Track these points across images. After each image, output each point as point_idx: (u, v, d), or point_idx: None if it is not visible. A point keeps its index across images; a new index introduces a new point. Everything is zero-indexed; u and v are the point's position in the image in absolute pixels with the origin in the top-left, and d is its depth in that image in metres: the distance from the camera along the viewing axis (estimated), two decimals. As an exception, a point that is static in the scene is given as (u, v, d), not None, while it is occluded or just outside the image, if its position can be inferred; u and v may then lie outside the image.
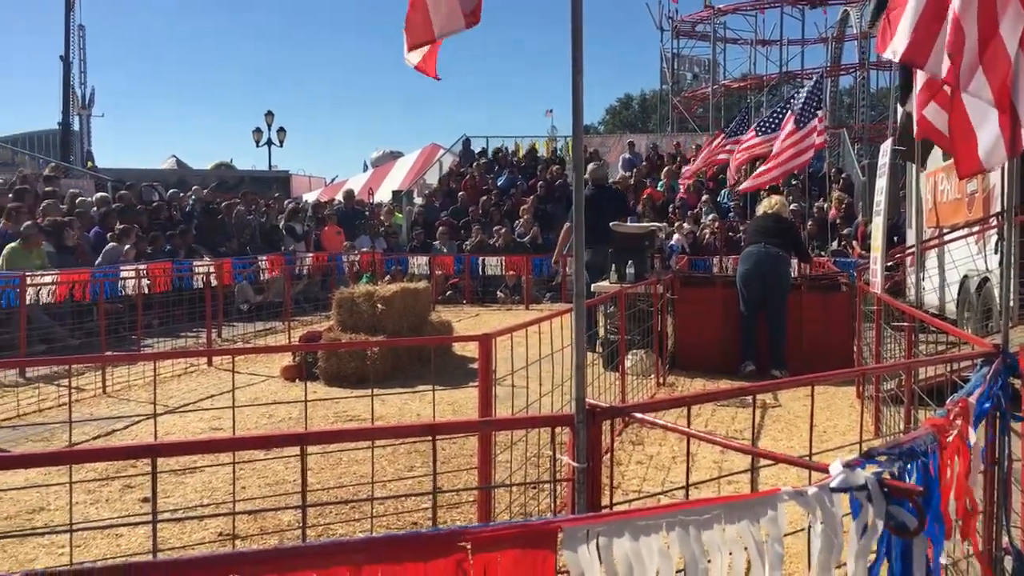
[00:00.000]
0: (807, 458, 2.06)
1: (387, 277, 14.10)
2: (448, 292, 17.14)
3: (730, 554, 1.41)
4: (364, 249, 17.49)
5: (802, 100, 11.84)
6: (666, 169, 21.53)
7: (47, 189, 14.25)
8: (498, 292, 17.30)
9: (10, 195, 13.20)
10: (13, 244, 11.07)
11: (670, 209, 19.28)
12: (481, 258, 17.48)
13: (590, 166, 11.13)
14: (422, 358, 9.14)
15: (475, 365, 9.38)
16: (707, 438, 2.17)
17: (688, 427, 2.26)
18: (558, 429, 2.62)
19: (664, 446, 6.01)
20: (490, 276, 17.50)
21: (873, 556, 1.57)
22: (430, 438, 2.06)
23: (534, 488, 4.81)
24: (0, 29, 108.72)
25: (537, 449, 5.12)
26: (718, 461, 5.53)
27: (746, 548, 1.42)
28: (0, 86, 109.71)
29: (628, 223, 9.91)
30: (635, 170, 21.69)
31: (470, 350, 10.09)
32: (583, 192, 2.22)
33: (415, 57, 3.22)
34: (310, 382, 8.59)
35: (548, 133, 29.75)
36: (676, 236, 17.23)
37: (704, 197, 19.68)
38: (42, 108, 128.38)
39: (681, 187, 19.59)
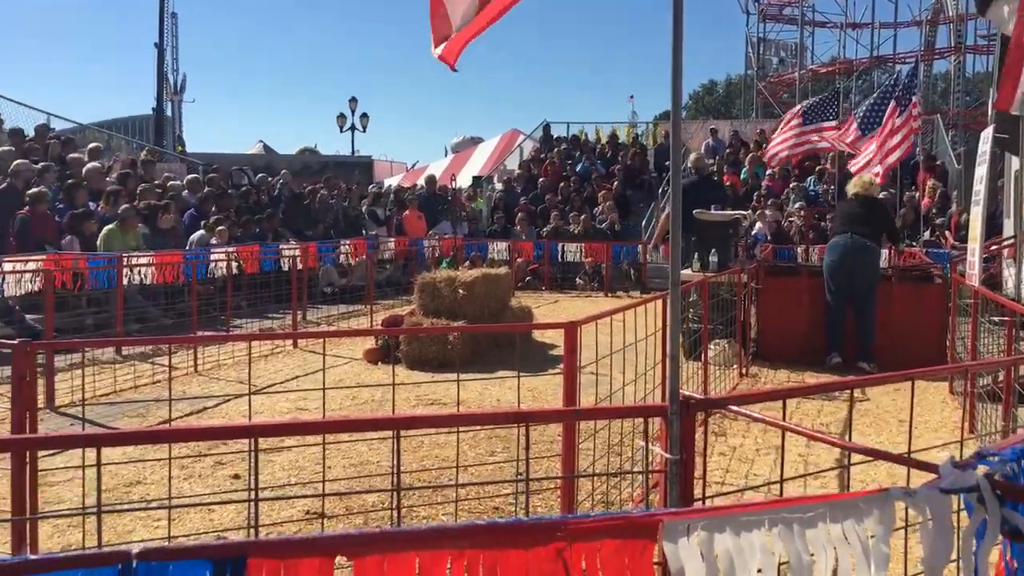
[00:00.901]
0: (906, 455, 2.00)
1: (467, 263, 14.18)
2: (527, 278, 17.16)
3: (835, 550, 1.38)
4: (445, 234, 17.63)
5: (900, 87, 11.51)
6: (750, 156, 21.13)
7: (143, 173, 14.74)
8: (577, 279, 17.26)
9: (113, 178, 13.70)
10: (110, 226, 11.47)
11: (754, 196, 18.93)
12: (560, 244, 17.45)
13: (691, 156, 11.07)
14: (501, 343, 9.18)
15: (555, 352, 9.46)
16: (805, 432, 2.13)
17: (784, 421, 2.22)
18: (642, 420, 2.60)
19: (747, 438, 5.92)
20: (569, 262, 17.46)
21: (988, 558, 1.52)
22: (516, 425, 2.06)
23: (615, 477, 4.79)
24: (97, 18, 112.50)
25: (619, 438, 5.10)
26: (803, 455, 5.43)
27: (850, 547, 1.39)
28: (97, 73, 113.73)
29: (712, 211, 9.76)
30: (717, 157, 21.35)
31: (549, 337, 10.10)
32: (680, 178, 2.19)
33: (444, 47, 3.22)
34: (391, 365, 8.72)
35: (629, 119, 29.53)
36: (759, 224, 16.92)
37: (791, 184, 19.27)
38: (136, 94, 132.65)
39: (769, 168, 19.12)
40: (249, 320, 11.50)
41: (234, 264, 11.21)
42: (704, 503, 2.28)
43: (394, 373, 4.94)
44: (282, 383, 7.84)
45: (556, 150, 23.36)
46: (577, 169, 22.07)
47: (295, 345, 9.77)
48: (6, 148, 13.21)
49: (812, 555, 1.38)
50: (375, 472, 5.30)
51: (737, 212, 11.02)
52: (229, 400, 7.14)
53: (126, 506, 4.56)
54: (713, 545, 1.34)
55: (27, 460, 2.73)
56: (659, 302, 5.29)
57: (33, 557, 1.05)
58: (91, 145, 15.77)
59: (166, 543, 3.26)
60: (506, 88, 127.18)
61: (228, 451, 5.58)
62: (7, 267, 8.78)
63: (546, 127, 25.38)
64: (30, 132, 14.94)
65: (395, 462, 1.90)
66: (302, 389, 7.41)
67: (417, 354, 8.59)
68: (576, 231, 18.11)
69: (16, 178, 11.72)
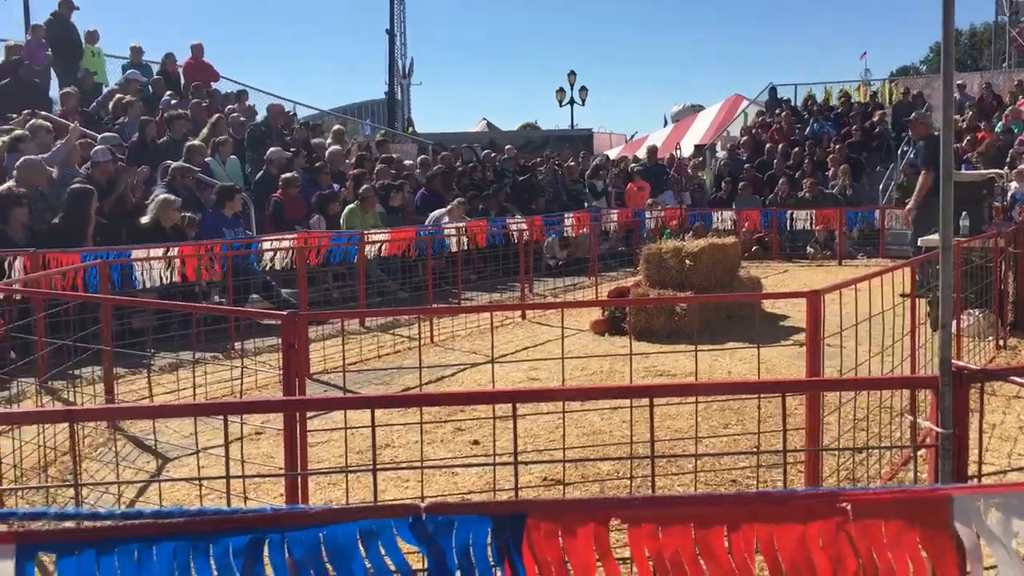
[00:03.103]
0: None
1: (690, 233, 13.93)
2: (754, 248, 16.61)
3: None
4: (668, 204, 17.41)
5: None
6: (1009, 109, 19.28)
7: (380, 155, 15.59)
8: (807, 247, 16.52)
9: (352, 161, 14.61)
10: (351, 205, 12.22)
11: (1009, 154, 17.29)
12: (789, 212, 16.76)
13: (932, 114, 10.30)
14: (730, 314, 8.96)
15: (786, 324, 9.12)
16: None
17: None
18: (890, 394, 2.44)
19: (1009, 415, 5.45)
20: (798, 231, 16.74)
21: None
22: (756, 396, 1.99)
23: (860, 454, 4.56)
24: (329, 9, 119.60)
25: (865, 413, 4.84)
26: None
27: None
28: (332, 61, 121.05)
29: (963, 171, 9.01)
30: (965, 113, 19.66)
31: (780, 308, 9.74)
32: (952, 133, 2.02)
33: None
34: (618, 337, 8.74)
35: (861, 77, 27.77)
36: (1015, 184, 15.44)
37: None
38: (367, 80, 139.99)
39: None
40: (478, 293, 11.90)
41: (464, 239, 11.62)
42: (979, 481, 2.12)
43: (631, 344, 4.93)
44: (513, 354, 8.05)
45: (783, 113, 22.39)
46: (806, 132, 21.07)
47: (523, 317, 10.00)
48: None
49: None
50: (608, 442, 5.34)
51: (992, 171, 10.11)
52: (465, 369, 7.42)
53: (391, 466, 4.85)
54: (1011, 525, 1.23)
55: (298, 420, 2.96)
56: (906, 270, 4.96)
57: (335, 506, 1.13)
58: (335, 128, 16.81)
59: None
60: (727, 53, 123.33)
61: (466, 417, 5.82)
62: (265, 245, 9.57)
63: (772, 90, 24.37)
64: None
65: (651, 429, 1.89)
66: (539, 359, 7.56)
67: (644, 325, 8.54)
68: (806, 197, 17.31)
69: (271, 165, 12.71)
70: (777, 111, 22.81)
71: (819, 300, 3.70)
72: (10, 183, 8.75)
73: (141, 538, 1.13)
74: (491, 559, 1.19)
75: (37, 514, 1.25)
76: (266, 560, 1.18)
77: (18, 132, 10.21)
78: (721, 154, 21.62)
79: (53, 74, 14.31)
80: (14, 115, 11.44)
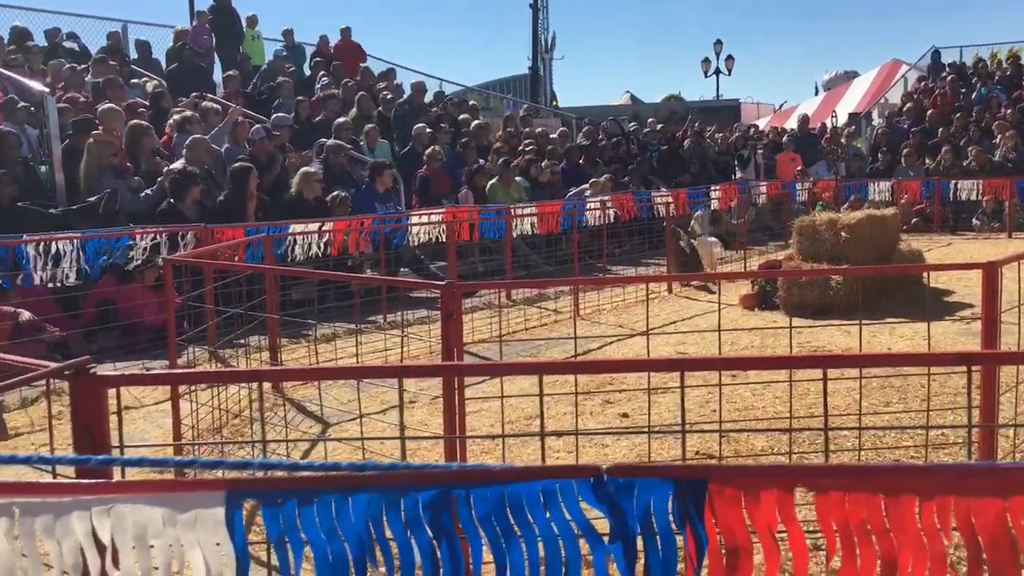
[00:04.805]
0: None
1: (846, 205, 13.38)
2: (913, 220, 15.80)
3: None
4: (820, 176, 16.77)
5: None
6: None
7: (525, 130, 15.69)
8: (973, 219, 15.58)
9: (496, 136, 14.77)
10: (493, 180, 12.37)
11: None
12: (952, 182, 15.83)
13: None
14: (889, 289, 8.57)
15: (950, 299, 8.65)
16: None
17: None
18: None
19: None
20: (962, 202, 15.81)
21: None
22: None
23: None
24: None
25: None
26: None
27: None
28: (476, 38, 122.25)
29: None
30: None
31: (943, 282, 9.27)
32: None
33: None
34: (768, 312, 8.52)
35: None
36: None
37: None
38: (510, 55, 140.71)
39: None
40: (622, 267, 11.83)
41: (609, 212, 11.57)
42: None
43: (791, 322, 4.82)
44: (660, 327, 7.97)
45: (949, 77, 21.12)
46: (972, 97, 19.81)
47: (669, 291, 9.88)
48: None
49: None
50: (761, 416, 5.23)
51: None
52: (612, 342, 7.41)
53: (558, 432, 4.91)
54: None
55: (456, 387, 3.03)
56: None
57: (520, 466, 1.16)
58: (473, 103, 17.03)
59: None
60: (882, 16, 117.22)
61: (613, 389, 5.82)
62: (414, 219, 9.81)
63: (934, 53, 23.01)
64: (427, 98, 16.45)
65: (824, 400, 1.84)
66: (694, 331, 7.46)
67: (797, 300, 8.29)
68: (971, 166, 16.31)
69: (416, 140, 13.01)
70: (942, 75, 21.53)
71: (996, 271, 3.50)
72: (181, 162, 9.29)
73: (338, 490, 1.19)
74: (672, 523, 1.19)
75: (243, 464, 1.33)
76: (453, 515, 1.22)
77: (187, 113, 10.82)
78: (878, 122, 20.61)
79: (216, 58, 15.07)
80: (183, 98, 12.12)
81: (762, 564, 1.23)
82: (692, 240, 11.13)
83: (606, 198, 12.07)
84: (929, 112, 19.29)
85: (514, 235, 10.46)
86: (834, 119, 19.67)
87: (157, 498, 1.19)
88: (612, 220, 11.73)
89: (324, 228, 8.85)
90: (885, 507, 1.14)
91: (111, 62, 12.38)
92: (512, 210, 10.46)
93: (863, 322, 7.34)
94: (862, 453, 4.35)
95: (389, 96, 14.91)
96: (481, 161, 13.19)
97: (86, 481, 1.25)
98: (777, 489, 1.15)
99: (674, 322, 8.27)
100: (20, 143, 8.77)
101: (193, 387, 4.76)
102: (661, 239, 11.51)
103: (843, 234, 8.59)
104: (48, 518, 1.21)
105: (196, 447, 4.41)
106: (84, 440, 1.79)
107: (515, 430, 5.17)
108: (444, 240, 9.68)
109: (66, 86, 11.15)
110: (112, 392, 1.96)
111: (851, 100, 26.47)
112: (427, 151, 12.40)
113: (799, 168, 17.02)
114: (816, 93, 32.86)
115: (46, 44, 13.27)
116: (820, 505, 1.15)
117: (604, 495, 1.17)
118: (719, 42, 33.21)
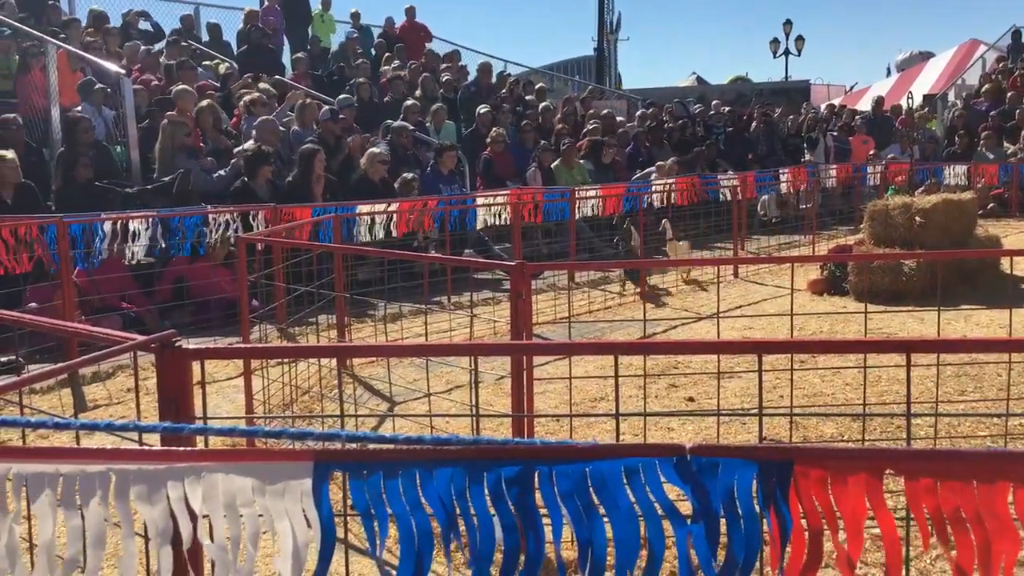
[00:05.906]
0: None
1: (921, 189, 13.03)
2: (990, 205, 15.32)
3: None
4: (893, 157, 16.36)
5: None
6: None
7: (589, 112, 15.59)
8: (1055, 204, 15.06)
9: (560, 117, 14.71)
10: (555, 162, 12.34)
11: None
12: (1032, 166, 15.31)
13: None
14: (965, 275, 8.33)
15: (1028, 285, 8.37)
16: None
17: None
18: None
19: None
20: (1043, 186, 15.28)
21: None
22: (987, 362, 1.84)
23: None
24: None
25: None
26: None
27: None
28: (541, 20, 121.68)
29: None
30: None
31: (1021, 270, 8.99)
32: None
33: None
34: (838, 297, 8.36)
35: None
36: None
37: None
38: (575, 37, 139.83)
39: None
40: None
41: (673, 195, 11.45)
42: None
43: (866, 307, 4.72)
44: (726, 312, 7.89)
45: (1028, 58, 20.40)
46: (1056, 78, 19.11)
47: (735, 275, 9.76)
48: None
49: None
50: (829, 403, 5.16)
51: None
52: (677, 326, 7.36)
53: (634, 413, 4.91)
54: None
55: (525, 366, 3.04)
56: None
57: (604, 443, 1.16)
58: (539, 85, 16.96)
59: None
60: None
61: (678, 372, 5.78)
62: (479, 201, 9.83)
63: (1015, 33, 22.20)
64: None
65: (907, 384, 1.80)
66: (756, 315, 7.37)
67: (868, 285, 8.12)
68: (1052, 150, 15.76)
69: (478, 122, 13.02)
70: (1023, 56, 20.80)
71: (1083, 258, 3.37)
72: (253, 142, 9.45)
73: (423, 463, 1.21)
74: (756, 505, 1.18)
75: (330, 435, 1.36)
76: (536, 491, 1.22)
77: (255, 95, 10.99)
78: (955, 103, 20.00)
79: (285, 40, 15.27)
80: (251, 78, 12.31)
81: (846, 549, 1.21)
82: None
83: (671, 180, 11.95)
84: (1009, 94, 18.65)
85: (577, 217, 10.42)
86: (910, 100, 19.14)
87: (247, 467, 1.22)
88: (674, 203, 11.61)
89: (391, 208, 8.93)
90: (979, 497, 1.11)
91: (183, 44, 12.63)
92: (576, 192, 10.41)
93: (931, 309, 7.19)
94: (937, 442, 4.26)
95: (450, 78, 14.94)
96: (544, 142, 13.17)
97: (180, 448, 1.29)
98: (865, 473, 1.13)
99: (740, 307, 8.17)
100: (92, 127, 8.99)
101: (264, 363, 4.86)
102: (727, 223, 11.37)
103: (917, 219, 8.37)
104: (142, 486, 1.25)
105: (275, 419, 4.51)
106: (170, 411, 1.85)
107: (580, 409, 5.18)
108: (509, 222, 9.69)
109: (141, 68, 11.41)
110: (196, 366, 2.01)
111: (926, 81, 25.72)
112: (490, 133, 12.42)
113: (871, 151, 16.63)
114: (888, 74, 32.00)
115: (122, 26, 13.59)
116: (909, 492, 1.13)
117: (688, 474, 1.17)
118: (788, 22, 32.46)
